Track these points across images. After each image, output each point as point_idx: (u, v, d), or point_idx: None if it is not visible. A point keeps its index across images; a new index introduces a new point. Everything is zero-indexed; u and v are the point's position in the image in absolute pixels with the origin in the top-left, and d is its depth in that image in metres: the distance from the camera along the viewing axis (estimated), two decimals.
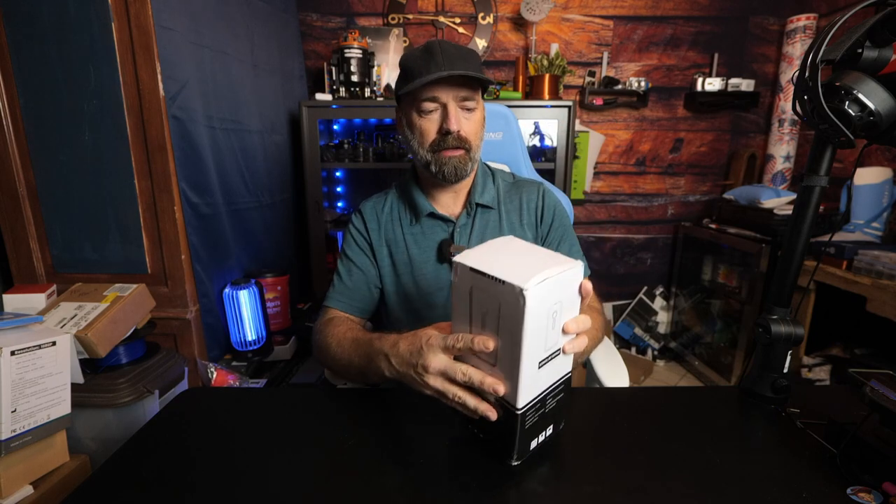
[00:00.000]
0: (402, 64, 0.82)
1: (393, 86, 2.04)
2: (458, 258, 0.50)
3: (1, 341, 0.88)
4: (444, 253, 0.87)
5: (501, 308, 0.46)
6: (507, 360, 0.48)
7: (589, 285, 0.52)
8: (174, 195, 1.28)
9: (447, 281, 0.88)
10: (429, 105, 0.80)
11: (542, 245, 0.91)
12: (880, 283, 1.39)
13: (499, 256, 0.50)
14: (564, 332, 0.50)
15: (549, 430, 0.55)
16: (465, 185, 0.90)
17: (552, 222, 0.92)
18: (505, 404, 0.50)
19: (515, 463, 0.52)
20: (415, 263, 0.89)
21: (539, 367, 0.49)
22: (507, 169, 1.12)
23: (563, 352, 0.51)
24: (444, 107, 0.80)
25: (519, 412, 0.49)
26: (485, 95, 0.90)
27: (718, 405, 0.70)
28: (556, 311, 0.48)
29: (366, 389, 0.99)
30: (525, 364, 0.47)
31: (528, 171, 1.24)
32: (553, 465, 0.54)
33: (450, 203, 0.91)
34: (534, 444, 0.53)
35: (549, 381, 0.51)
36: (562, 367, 0.53)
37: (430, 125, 0.82)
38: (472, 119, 0.83)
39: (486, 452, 0.55)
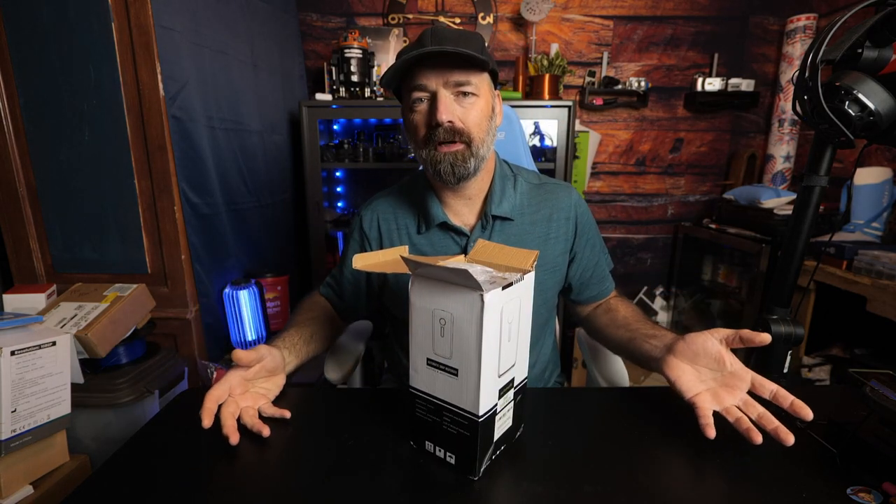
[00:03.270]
0: (398, 57, 0.71)
1: None
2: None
3: (1, 341, 0.88)
4: None
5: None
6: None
7: None
8: (174, 195, 1.28)
9: None
10: (416, 94, 0.69)
11: (570, 250, 0.85)
12: (880, 283, 1.39)
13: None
14: None
15: (449, 458, 0.53)
16: (478, 190, 0.79)
17: (585, 232, 0.86)
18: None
19: (411, 443, 0.56)
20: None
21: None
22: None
23: None
24: (434, 95, 0.69)
25: (410, 389, 0.54)
26: (498, 86, 0.78)
27: None
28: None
29: (366, 389, 0.99)
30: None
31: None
32: (553, 465, 0.54)
33: (464, 211, 0.81)
34: (429, 445, 0.55)
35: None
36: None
37: (419, 118, 0.71)
38: (471, 107, 0.70)
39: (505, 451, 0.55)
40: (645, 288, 2.53)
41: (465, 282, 0.46)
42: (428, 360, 0.51)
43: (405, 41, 2.19)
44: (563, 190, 0.85)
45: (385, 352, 1.02)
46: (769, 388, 0.55)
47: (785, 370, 0.69)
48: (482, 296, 0.44)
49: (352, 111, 1.95)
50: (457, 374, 0.49)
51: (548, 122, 2.06)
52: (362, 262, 0.56)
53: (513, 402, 0.55)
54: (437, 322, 0.49)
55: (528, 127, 2.11)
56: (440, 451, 0.53)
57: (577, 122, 2.31)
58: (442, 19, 2.19)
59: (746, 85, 2.17)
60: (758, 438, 0.52)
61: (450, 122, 0.69)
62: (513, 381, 0.54)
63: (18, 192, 1.28)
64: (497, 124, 0.77)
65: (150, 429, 0.63)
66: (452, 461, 0.52)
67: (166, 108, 1.22)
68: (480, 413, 0.48)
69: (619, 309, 0.85)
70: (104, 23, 1.17)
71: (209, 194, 1.43)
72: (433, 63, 0.67)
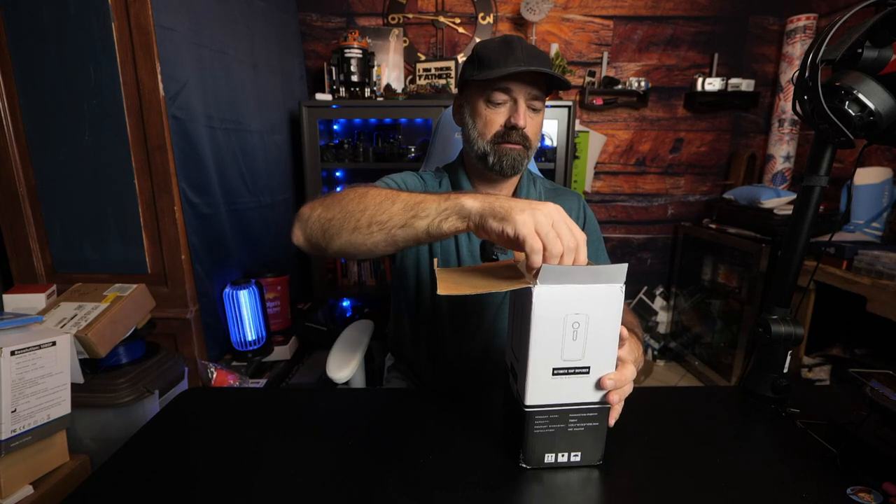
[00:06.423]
0: (479, 51, 0.81)
1: (393, 86, 2.05)
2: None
3: (1, 341, 0.88)
4: (488, 252, 0.86)
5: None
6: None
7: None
8: (174, 195, 1.27)
9: None
10: (500, 96, 0.80)
11: None
12: (880, 283, 1.39)
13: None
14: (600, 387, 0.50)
15: (574, 456, 0.53)
16: (510, 184, 0.92)
17: (590, 234, 0.93)
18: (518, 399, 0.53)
19: (524, 465, 0.53)
20: (461, 252, 0.87)
21: (553, 375, 0.50)
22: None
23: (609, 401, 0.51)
24: (515, 101, 0.80)
25: (527, 410, 0.51)
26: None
27: (718, 405, 0.70)
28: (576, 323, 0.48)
29: (366, 390, 0.99)
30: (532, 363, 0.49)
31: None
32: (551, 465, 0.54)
33: None
34: (549, 458, 0.53)
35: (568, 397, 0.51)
36: (587, 392, 0.52)
37: (496, 117, 0.82)
38: (535, 119, 0.83)
39: (504, 452, 0.56)
40: (645, 288, 2.53)
41: (602, 278, 0.47)
42: (554, 369, 0.50)
43: (405, 41, 2.19)
44: (573, 195, 1.00)
45: (391, 345, 1.02)
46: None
47: (785, 370, 0.69)
48: (621, 287, 0.47)
49: (352, 111, 1.95)
50: (588, 372, 0.50)
51: (548, 122, 2.06)
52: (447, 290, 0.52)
53: None
54: (570, 327, 0.48)
55: None
56: (563, 455, 0.53)
57: (577, 122, 2.32)
58: (442, 19, 2.19)
59: (746, 85, 2.17)
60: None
61: (524, 127, 0.81)
62: None
63: (18, 192, 1.28)
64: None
65: (150, 429, 0.63)
66: (578, 458, 0.53)
67: (166, 108, 1.22)
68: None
69: None
70: (104, 23, 1.17)
71: (209, 194, 1.43)
72: (522, 75, 0.78)
